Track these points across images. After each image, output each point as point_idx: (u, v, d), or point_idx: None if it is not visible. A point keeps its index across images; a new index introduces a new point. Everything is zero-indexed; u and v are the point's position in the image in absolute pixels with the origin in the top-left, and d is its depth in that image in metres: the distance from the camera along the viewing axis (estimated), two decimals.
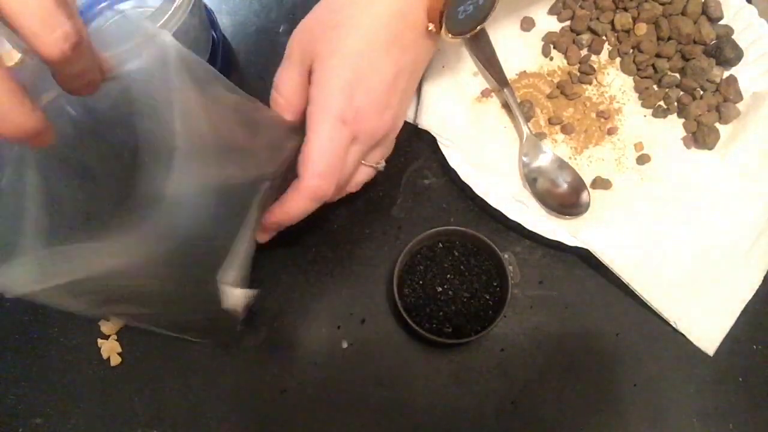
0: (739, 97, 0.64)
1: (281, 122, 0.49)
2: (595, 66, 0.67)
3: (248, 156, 0.45)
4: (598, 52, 0.68)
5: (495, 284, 0.55)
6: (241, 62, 0.66)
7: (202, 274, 0.44)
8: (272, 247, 0.60)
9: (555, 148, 0.63)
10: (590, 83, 0.66)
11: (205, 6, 0.63)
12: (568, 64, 0.67)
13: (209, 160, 0.40)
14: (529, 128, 0.62)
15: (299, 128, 0.48)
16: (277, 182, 0.50)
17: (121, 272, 0.38)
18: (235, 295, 0.45)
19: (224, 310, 0.45)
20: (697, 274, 0.57)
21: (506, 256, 0.55)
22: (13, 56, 0.39)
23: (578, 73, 0.66)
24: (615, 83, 0.67)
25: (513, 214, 0.58)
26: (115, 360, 0.57)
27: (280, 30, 0.70)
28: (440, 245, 0.57)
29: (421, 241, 0.56)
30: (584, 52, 0.68)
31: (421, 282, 0.56)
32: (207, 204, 0.40)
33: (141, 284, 0.42)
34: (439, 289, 0.55)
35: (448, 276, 0.56)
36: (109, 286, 0.40)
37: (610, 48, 0.68)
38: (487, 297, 0.55)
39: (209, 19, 0.63)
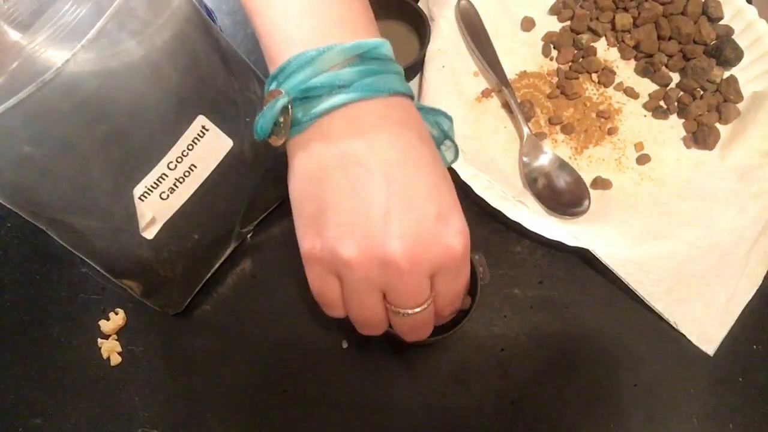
0: (739, 97, 0.64)
1: None
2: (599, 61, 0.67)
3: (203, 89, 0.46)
4: (597, 53, 0.68)
5: None
6: None
7: (119, 179, 0.44)
8: (272, 248, 0.61)
9: (555, 148, 0.63)
10: (597, 71, 0.66)
11: (206, 6, 0.63)
12: (568, 62, 0.68)
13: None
14: (529, 128, 0.62)
15: None
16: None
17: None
18: (146, 218, 0.46)
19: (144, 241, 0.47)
20: (698, 274, 0.57)
21: (477, 257, 0.55)
22: (13, 49, 0.39)
23: (570, 71, 0.67)
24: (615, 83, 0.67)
25: (513, 214, 0.58)
26: (115, 360, 0.57)
27: None
28: None
29: None
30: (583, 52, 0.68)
31: None
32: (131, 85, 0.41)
33: (53, 155, 0.40)
34: None
35: None
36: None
37: (610, 48, 0.68)
38: None
39: (209, 20, 0.63)
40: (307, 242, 0.40)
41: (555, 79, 0.67)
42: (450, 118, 0.49)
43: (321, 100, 0.37)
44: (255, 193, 0.56)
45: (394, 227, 0.37)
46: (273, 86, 0.39)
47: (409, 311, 0.40)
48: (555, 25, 0.70)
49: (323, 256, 0.39)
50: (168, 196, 0.47)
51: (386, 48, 0.39)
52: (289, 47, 0.38)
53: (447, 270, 0.40)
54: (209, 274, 0.59)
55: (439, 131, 0.48)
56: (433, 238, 0.38)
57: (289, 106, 0.38)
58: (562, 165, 0.61)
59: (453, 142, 0.50)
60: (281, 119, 0.38)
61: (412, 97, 0.41)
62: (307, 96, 0.37)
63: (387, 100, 0.38)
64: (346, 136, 0.37)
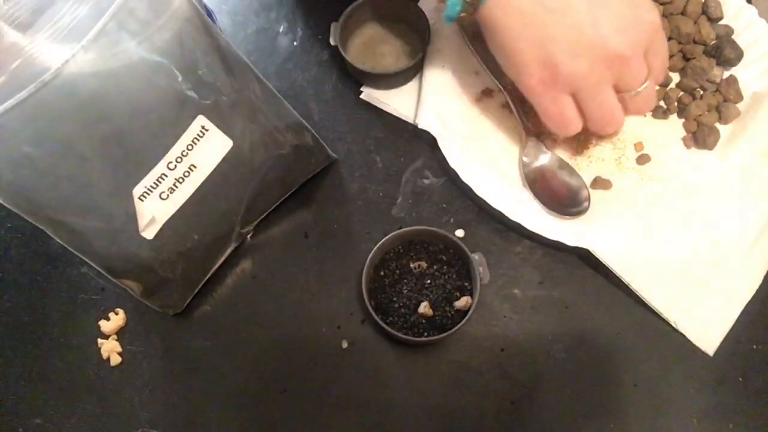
0: (739, 97, 0.64)
1: None
2: None
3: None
4: None
5: (466, 284, 0.56)
6: None
7: (119, 179, 0.44)
8: (272, 248, 0.61)
9: (555, 148, 0.63)
10: None
11: (205, 6, 0.63)
12: None
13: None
14: (529, 128, 0.62)
15: None
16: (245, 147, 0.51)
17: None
18: (146, 218, 0.46)
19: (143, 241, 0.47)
20: (698, 274, 0.57)
21: (476, 257, 0.55)
22: (13, 49, 0.39)
23: None
24: None
25: (513, 214, 0.58)
26: (115, 360, 0.57)
27: (280, 30, 0.70)
28: (410, 246, 0.57)
29: (391, 241, 0.56)
30: None
31: (390, 281, 0.56)
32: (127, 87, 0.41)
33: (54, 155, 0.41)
34: (406, 289, 0.56)
35: (418, 276, 0.56)
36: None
37: None
38: (459, 296, 0.55)
39: (209, 20, 0.63)
40: (535, 77, 0.50)
41: None
42: None
43: None
44: (255, 193, 0.56)
45: (606, 30, 0.47)
46: None
47: (638, 89, 0.51)
48: None
49: (556, 80, 0.49)
50: (168, 196, 0.47)
51: None
52: None
53: (653, 42, 0.50)
54: (209, 275, 0.59)
55: None
56: (637, 22, 0.49)
57: None
58: (562, 165, 0.61)
59: None
60: None
61: None
62: None
63: None
64: None
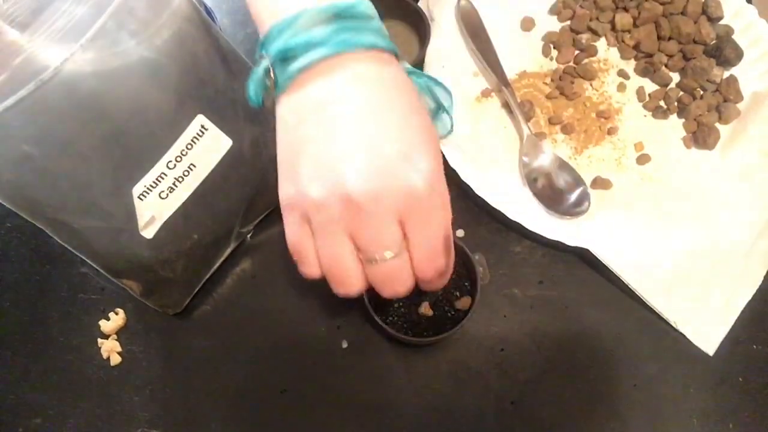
0: (739, 97, 0.64)
1: None
2: (596, 66, 0.67)
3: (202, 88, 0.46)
4: (597, 52, 0.68)
5: (466, 284, 0.56)
6: None
7: (119, 178, 0.44)
8: (272, 248, 0.61)
9: (555, 148, 0.63)
10: (593, 79, 0.66)
11: (205, 6, 0.63)
12: (567, 62, 0.67)
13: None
14: (529, 128, 0.62)
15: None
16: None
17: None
18: (145, 217, 0.46)
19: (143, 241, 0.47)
20: (698, 274, 0.57)
21: (477, 257, 0.55)
22: (12, 48, 0.39)
23: (565, 74, 0.67)
24: (615, 83, 0.67)
25: (513, 214, 0.58)
26: (115, 360, 0.57)
27: None
28: None
29: None
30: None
31: None
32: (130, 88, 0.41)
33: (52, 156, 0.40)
34: None
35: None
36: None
37: (610, 48, 0.68)
38: (459, 296, 0.55)
39: (209, 19, 0.63)
40: (284, 190, 0.41)
41: (555, 79, 0.67)
42: (449, 92, 0.50)
43: (297, 59, 0.38)
44: (254, 192, 0.56)
45: (356, 165, 0.37)
46: (260, 53, 0.41)
47: (377, 257, 0.39)
48: (555, 25, 0.70)
49: (296, 201, 0.39)
50: (167, 195, 0.47)
51: (364, 5, 0.39)
52: (271, 16, 0.40)
53: (414, 213, 0.38)
54: (209, 274, 0.59)
55: (433, 101, 0.49)
56: (394, 176, 0.37)
57: (271, 69, 0.39)
58: (562, 165, 0.61)
59: (448, 113, 0.51)
60: (267, 82, 0.40)
61: (395, 52, 0.40)
62: (285, 57, 0.38)
63: (363, 54, 0.38)
64: (321, 88, 0.38)
